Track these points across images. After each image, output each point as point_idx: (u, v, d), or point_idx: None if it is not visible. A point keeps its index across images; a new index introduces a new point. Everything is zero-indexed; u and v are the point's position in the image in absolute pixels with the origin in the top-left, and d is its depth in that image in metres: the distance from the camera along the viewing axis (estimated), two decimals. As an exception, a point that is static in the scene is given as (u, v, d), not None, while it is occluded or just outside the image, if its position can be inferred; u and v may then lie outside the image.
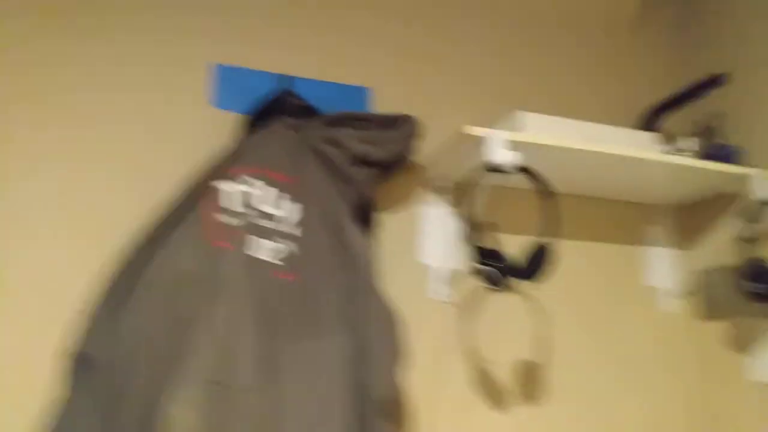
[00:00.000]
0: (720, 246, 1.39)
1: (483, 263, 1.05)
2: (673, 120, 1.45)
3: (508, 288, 1.05)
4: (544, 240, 1.07)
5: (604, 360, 1.36)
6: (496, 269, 1.04)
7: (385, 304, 1.02)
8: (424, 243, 1.28)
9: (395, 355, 1.00)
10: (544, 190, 1.08)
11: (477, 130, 1.08)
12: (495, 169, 1.06)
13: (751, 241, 1.19)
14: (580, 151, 1.13)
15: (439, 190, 1.31)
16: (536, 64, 1.47)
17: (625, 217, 1.47)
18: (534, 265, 1.06)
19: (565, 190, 1.37)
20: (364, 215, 1.13)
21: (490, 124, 1.19)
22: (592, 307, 1.39)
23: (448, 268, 1.27)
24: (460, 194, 1.32)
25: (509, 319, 1.30)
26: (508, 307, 1.30)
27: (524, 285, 1.30)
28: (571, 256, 1.38)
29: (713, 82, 1.36)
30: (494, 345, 1.28)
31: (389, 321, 1.01)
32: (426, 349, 1.23)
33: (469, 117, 1.27)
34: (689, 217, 1.48)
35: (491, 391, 1.26)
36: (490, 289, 1.06)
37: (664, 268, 1.46)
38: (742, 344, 1.35)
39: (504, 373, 1.27)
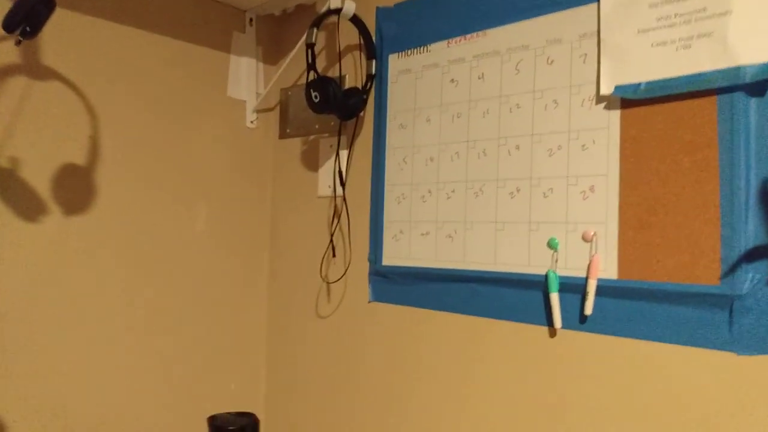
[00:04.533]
0: (299, 63, 1.43)
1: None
2: None
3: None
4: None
5: (169, 170, 1.30)
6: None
7: None
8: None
9: None
10: None
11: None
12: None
13: (314, 47, 1.17)
14: None
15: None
16: None
17: (212, 16, 1.38)
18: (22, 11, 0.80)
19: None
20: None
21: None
22: (160, 110, 1.28)
23: None
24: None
25: (41, 109, 1.09)
26: (41, 91, 1.10)
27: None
28: (149, 50, 1.26)
29: None
30: (19, 140, 1.07)
31: None
32: None
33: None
34: (275, 30, 1.52)
35: (16, 197, 1.07)
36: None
37: (248, 81, 1.46)
38: (312, 161, 1.41)
39: (35, 176, 1.09)
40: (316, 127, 1.39)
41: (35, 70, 1.09)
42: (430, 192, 1.15)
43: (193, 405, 1.33)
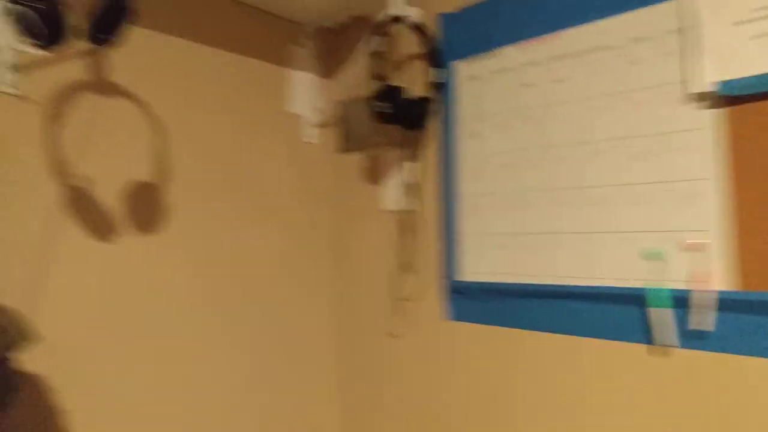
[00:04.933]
0: (358, 76, 1.39)
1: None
2: None
3: (57, 42, 0.75)
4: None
5: (233, 187, 1.25)
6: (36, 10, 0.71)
7: None
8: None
9: None
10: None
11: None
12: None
13: (378, 56, 1.13)
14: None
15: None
16: None
17: (270, 30, 1.34)
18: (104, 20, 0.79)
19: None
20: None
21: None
22: (223, 126, 1.25)
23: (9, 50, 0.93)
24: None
25: (111, 125, 1.07)
26: (109, 107, 1.07)
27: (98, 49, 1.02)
28: (205, 63, 1.22)
29: None
30: (92, 158, 1.04)
31: None
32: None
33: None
34: (331, 43, 1.47)
35: (88, 216, 1.04)
36: (33, 45, 0.76)
37: (306, 95, 1.41)
38: (374, 175, 1.36)
39: (105, 194, 1.06)
40: (378, 139, 1.34)
41: (104, 86, 1.08)
42: (507, 202, 1.09)
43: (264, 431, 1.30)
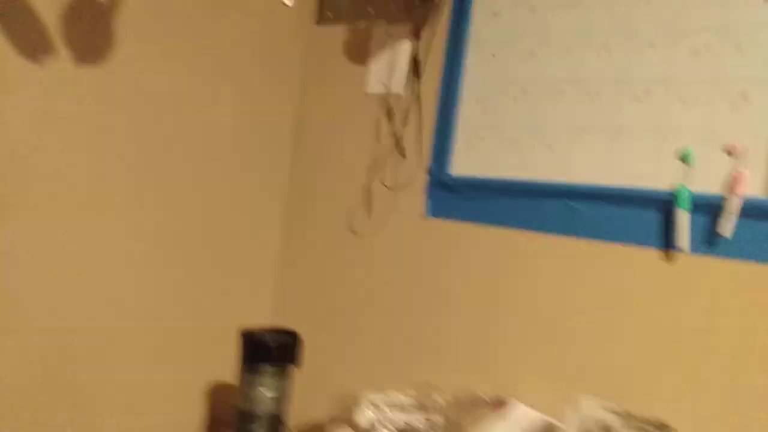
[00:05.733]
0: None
1: None
2: None
3: None
4: None
5: (187, 40, 1.07)
6: None
7: None
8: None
9: None
10: None
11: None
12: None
13: None
14: None
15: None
16: None
17: None
18: None
19: None
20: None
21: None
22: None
23: None
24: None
25: None
26: None
27: None
28: None
29: None
30: None
31: None
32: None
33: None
34: None
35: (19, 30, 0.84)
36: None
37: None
38: (358, 53, 1.21)
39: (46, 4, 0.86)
40: (370, 11, 1.19)
41: None
42: (525, 92, 1.00)
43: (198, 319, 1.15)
